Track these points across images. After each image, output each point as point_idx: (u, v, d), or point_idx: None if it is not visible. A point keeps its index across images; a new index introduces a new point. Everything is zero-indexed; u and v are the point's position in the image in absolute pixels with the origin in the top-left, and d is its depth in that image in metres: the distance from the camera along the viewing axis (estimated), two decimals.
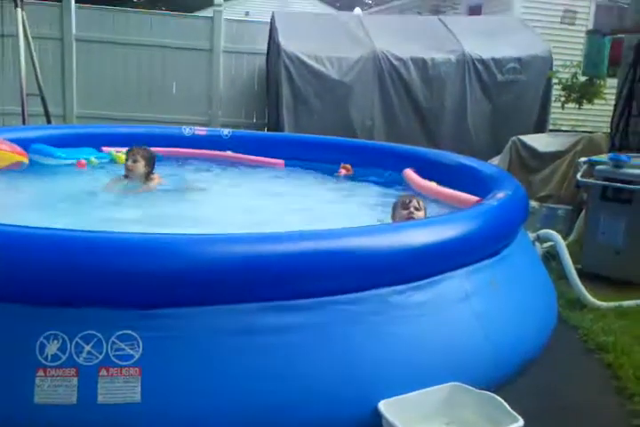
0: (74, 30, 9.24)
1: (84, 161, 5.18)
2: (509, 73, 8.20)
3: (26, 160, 4.61)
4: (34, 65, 7.26)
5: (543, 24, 9.98)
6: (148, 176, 4.45)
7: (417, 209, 3.60)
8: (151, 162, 4.45)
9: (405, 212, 3.60)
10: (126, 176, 4.46)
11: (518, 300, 2.86)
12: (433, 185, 4.64)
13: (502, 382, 2.48)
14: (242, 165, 5.82)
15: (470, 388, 2.18)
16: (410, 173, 5.06)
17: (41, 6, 9.19)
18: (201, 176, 5.36)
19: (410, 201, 3.65)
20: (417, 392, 2.15)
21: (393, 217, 3.73)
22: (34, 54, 7.28)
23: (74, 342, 1.93)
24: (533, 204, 5.36)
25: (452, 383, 2.20)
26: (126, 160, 4.44)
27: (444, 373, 2.27)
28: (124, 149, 5.65)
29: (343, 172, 5.62)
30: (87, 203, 4.17)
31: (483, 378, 2.37)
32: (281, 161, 5.82)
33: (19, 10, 6.89)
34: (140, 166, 4.37)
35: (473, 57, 8.08)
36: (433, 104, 8.02)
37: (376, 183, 5.27)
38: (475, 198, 3.83)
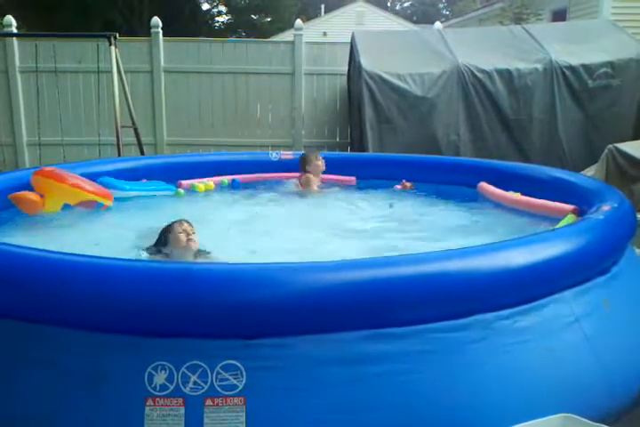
0: (162, 63, 9.69)
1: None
2: (601, 78, 7.84)
3: (107, 202, 4.39)
4: (127, 98, 7.63)
5: (637, 24, 9.52)
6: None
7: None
8: None
9: (320, 162, 5.46)
10: (165, 253, 3.33)
11: (631, 321, 2.70)
12: (518, 195, 4.50)
13: (618, 413, 2.33)
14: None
15: (583, 419, 2.04)
16: (486, 185, 4.94)
17: (132, 42, 9.73)
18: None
19: (319, 156, 5.49)
20: (524, 424, 2.04)
21: (309, 169, 5.43)
22: (126, 88, 7.66)
23: (180, 373, 1.97)
24: (637, 216, 5.07)
25: (564, 414, 2.07)
26: (184, 235, 3.30)
27: (554, 403, 2.16)
28: (203, 180, 5.68)
29: (399, 187, 5.65)
30: None
31: (597, 408, 2.24)
32: (353, 178, 6.01)
33: (112, 48, 7.29)
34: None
35: (561, 64, 7.80)
36: (521, 115, 7.77)
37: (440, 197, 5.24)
38: (568, 206, 3.68)
